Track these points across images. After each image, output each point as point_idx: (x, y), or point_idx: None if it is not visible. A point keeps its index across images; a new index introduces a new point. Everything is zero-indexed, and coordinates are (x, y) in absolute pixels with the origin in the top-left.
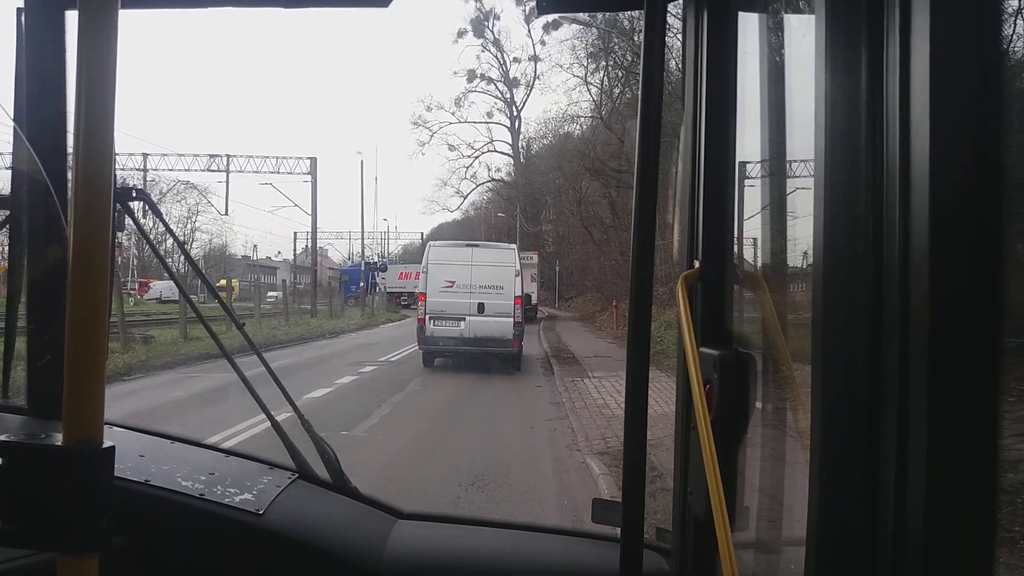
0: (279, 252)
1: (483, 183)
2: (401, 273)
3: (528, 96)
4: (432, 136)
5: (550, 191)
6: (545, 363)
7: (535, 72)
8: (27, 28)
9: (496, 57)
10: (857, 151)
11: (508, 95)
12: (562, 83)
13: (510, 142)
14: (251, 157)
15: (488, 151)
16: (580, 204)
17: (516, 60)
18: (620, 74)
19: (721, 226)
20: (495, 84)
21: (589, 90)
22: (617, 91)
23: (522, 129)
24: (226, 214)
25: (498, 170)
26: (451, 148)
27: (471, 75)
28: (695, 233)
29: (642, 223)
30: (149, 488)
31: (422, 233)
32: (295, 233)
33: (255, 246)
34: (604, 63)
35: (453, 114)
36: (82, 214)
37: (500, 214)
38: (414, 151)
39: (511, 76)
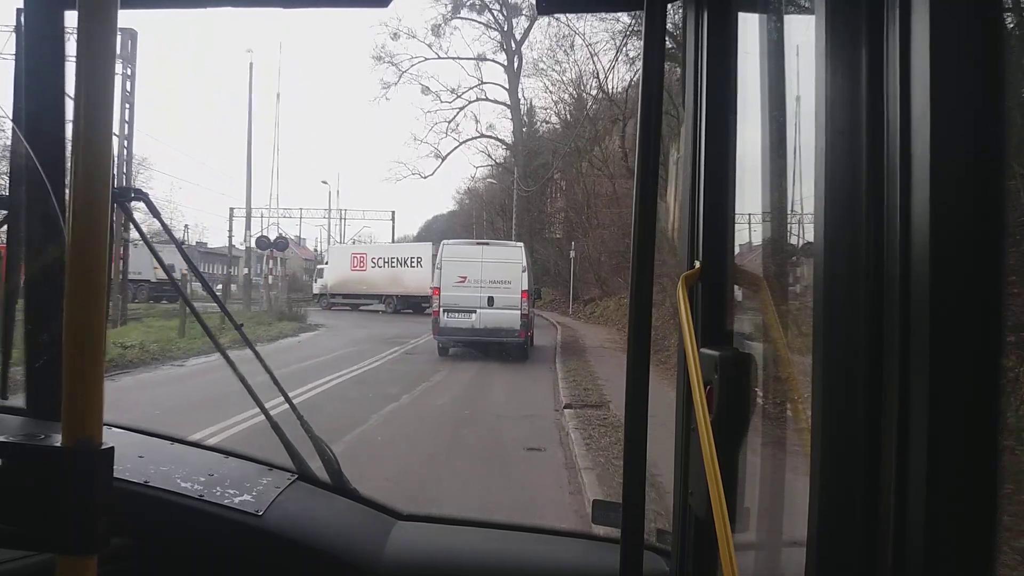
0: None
1: (469, 140)
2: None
3: (531, 27)
4: (401, 76)
5: (561, 150)
6: None
7: None
8: (26, 28)
9: None
10: (857, 151)
11: (505, 24)
12: None
13: (506, 86)
14: None
15: (476, 99)
16: (624, 131)
17: None
18: None
19: (721, 226)
20: (489, 10)
21: None
22: None
23: (523, 70)
24: None
25: (490, 126)
26: (425, 91)
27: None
28: (695, 233)
29: (642, 223)
30: (148, 489)
31: (393, 212)
32: (231, 209)
33: (186, 226)
34: None
35: (430, 46)
36: (80, 214)
37: (491, 180)
38: (376, 95)
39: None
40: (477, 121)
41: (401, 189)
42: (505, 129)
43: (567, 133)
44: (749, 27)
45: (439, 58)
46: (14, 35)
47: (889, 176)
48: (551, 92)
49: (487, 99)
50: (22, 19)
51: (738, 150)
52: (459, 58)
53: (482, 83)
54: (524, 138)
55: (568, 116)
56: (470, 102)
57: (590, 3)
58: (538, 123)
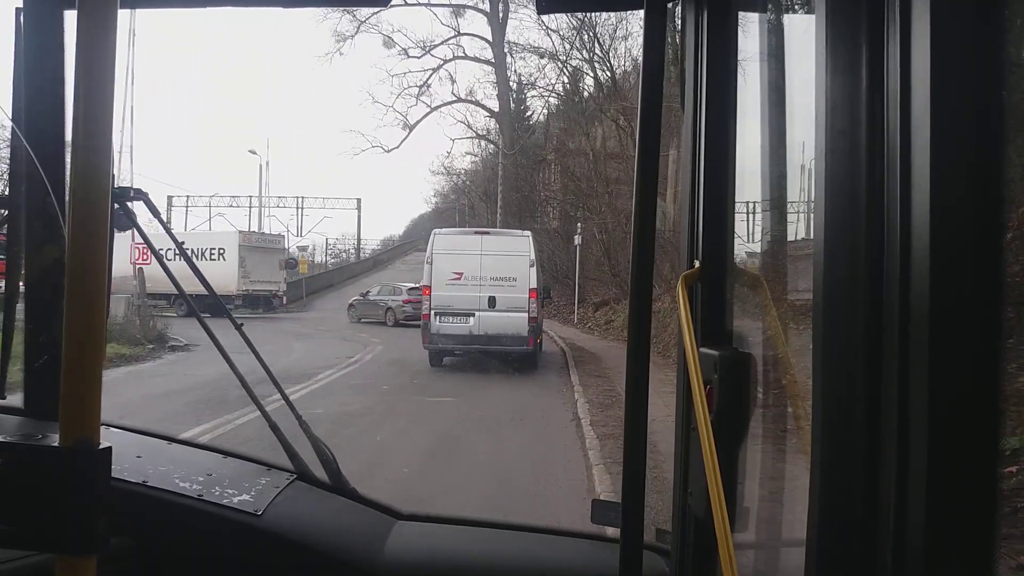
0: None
1: (444, 105)
2: None
3: None
4: (359, 27)
5: (559, 110)
6: None
7: None
8: (26, 28)
9: None
10: (857, 151)
11: None
12: None
13: (490, 39)
14: None
15: (454, 57)
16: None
17: None
18: None
19: (721, 226)
20: None
21: None
22: None
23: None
24: None
25: (471, 92)
26: (388, 44)
27: None
28: (695, 233)
29: (642, 223)
30: (147, 489)
31: (359, 200)
32: (169, 198)
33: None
34: None
35: None
36: (80, 214)
37: (468, 154)
38: (328, 51)
39: None
40: (454, 82)
41: (379, 181)
42: (488, 94)
43: (568, 101)
44: (749, 27)
45: (407, 4)
46: (14, 35)
47: (889, 176)
48: (544, 28)
49: (466, 56)
50: (21, 19)
51: (738, 150)
52: (431, 4)
53: (459, 35)
54: (511, 104)
55: (568, 61)
56: (445, 60)
57: (590, 3)
58: (529, 74)
